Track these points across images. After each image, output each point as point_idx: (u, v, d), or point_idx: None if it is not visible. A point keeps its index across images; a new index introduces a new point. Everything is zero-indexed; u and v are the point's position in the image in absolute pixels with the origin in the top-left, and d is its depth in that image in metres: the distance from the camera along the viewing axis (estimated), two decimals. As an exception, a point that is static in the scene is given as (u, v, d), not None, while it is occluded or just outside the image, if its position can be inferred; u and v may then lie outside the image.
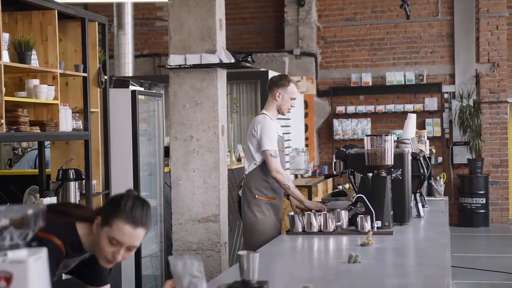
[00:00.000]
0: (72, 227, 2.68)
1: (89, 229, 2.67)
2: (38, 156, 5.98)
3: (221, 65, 5.35)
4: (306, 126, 12.02)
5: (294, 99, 5.11)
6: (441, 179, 6.57)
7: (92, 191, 5.61)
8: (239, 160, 8.13)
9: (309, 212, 4.38)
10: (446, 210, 5.69)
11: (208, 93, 5.40)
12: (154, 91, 7.22)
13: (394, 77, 12.37)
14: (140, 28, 12.98)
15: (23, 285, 1.66)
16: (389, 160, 4.38)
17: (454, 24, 12.30)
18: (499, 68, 12.20)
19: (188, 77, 5.43)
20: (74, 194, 5.39)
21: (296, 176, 10.25)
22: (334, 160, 5.14)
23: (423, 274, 3.24)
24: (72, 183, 5.39)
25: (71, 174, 5.40)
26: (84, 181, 5.55)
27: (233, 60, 5.34)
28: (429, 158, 6.19)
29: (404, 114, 10.75)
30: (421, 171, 5.04)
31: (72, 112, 5.43)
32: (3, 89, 4.53)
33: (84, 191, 5.55)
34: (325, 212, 4.34)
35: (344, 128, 12.54)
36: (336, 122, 12.56)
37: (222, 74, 5.53)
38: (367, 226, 4.19)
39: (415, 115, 5.83)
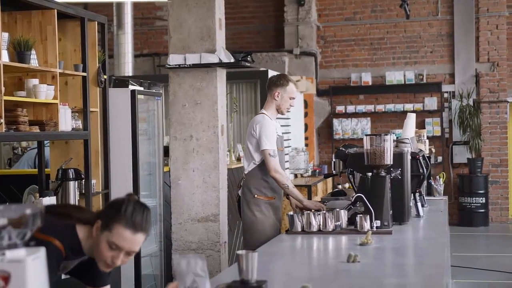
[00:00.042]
0: (72, 229, 2.67)
1: (89, 232, 2.66)
2: (37, 155, 5.98)
3: (221, 64, 5.35)
4: (306, 126, 12.02)
5: (293, 98, 5.11)
6: (441, 179, 6.57)
7: (91, 191, 5.61)
8: (238, 159, 8.13)
9: (308, 211, 4.38)
10: (446, 210, 5.69)
11: (208, 92, 5.41)
12: (154, 91, 7.22)
13: (394, 76, 12.37)
14: (140, 27, 12.98)
15: (21, 284, 1.66)
16: (389, 159, 4.38)
17: (454, 24, 12.30)
18: (499, 68, 12.20)
19: (188, 77, 5.43)
20: (73, 193, 5.39)
21: (295, 176, 10.25)
22: (334, 160, 5.14)
23: (422, 273, 3.24)
24: (71, 183, 5.39)
25: (71, 173, 5.40)
26: (83, 180, 5.55)
27: (232, 60, 5.34)
28: (429, 157, 6.19)
29: (404, 113, 10.73)
30: (421, 170, 5.04)
31: (72, 112, 5.43)
32: (3, 88, 4.53)
33: (83, 191, 5.55)
34: (324, 211, 4.34)
35: (344, 128, 12.54)
36: (336, 121, 12.56)
37: (221, 74, 5.53)
38: (366, 225, 4.19)
39: (414, 114, 5.83)
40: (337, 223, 4.26)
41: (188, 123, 5.43)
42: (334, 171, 5.20)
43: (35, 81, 5.01)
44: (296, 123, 10.95)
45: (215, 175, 5.41)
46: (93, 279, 2.87)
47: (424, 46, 12.44)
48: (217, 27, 5.39)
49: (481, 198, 11.84)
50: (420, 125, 11.64)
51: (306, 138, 11.90)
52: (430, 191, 6.62)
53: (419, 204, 5.03)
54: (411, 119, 5.70)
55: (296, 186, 5.28)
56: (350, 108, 12.51)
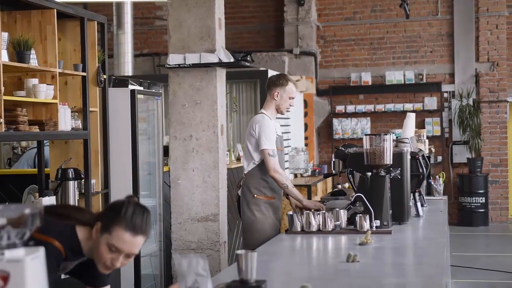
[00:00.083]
0: (72, 230, 2.67)
1: (89, 233, 2.66)
2: (37, 155, 5.97)
3: (221, 64, 5.36)
4: (306, 126, 12.02)
5: (293, 98, 5.11)
6: (441, 179, 6.57)
7: (91, 191, 5.60)
8: (238, 159, 8.13)
9: (308, 211, 4.38)
10: (445, 209, 5.69)
11: (208, 92, 5.41)
12: (154, 91, 7.21)
13: (394, 76, 12.37)
14: (140, 27, 12.98)
15: (20, 284, 1.66)
16: (388, 159, 4.38)
17: (453, 23, 12.30)
18: (498, 67, 12.19)
19: (188, 77, 5.43)
20: (73, 193, 5.39)
21: (295, 175, 10.25)
22: (333, 160, 5.14)
23: (422, 273, 3.24)
24: (71, 183, 5.38)
25: (70, 173, 5.40)
26: (83, 180, 5.55)
27: (232, 60, 5.34)
28: (428, 157, 6.19)
29: (403, 113, 10.72)
30: (420, 170, 5.04)
31: (71, 112, 5.43)
32: (2, 88, 4.53)
33: (83, 191, 5.55)
34: (324, 211, 4.34)
35: (343, 128, 12.54)
36: (335, 121, 12.56)
37: (221, 74, 5.53)
38: (366, 225, 4.19)
39: (414, 114, 5.83)
40: (337, 222, 4.26)
41: (187, 123, 5.43)
42: (333, 171, 5.20)
43: (35, 80, 5.01)
44: (296, 122, 10.95)
45: (214, 175, 5.41)
46: (93, 279, 2.87)
47: (424, 46, 12.44)
48: (217, 26, 5.39)
49: (481, 198, 11.84)
50: (420, 124, 11.64)
51: (306, 138, 11.91)
52: (429, 191, 6.62)
53: (418, 204, 5.03)
54: (411, 119, 5.70)
55: (295, 185, 5.28)
56: (350, 108, 12.51)
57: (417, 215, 4.99)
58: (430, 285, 2.99)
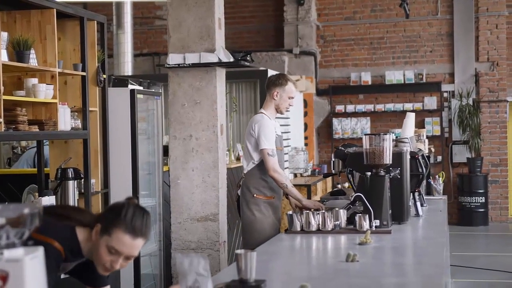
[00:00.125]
0: (72, 231, 2.66)
1: (89, 234, 2.66)
2: (36, 155, 5.97)
3: (220, 64, 5.36)
4: (306, 125, 12.02)
5: (292, 98, 5.10)
6: (440, 178, 6.57)
7: (91, 190, 5.60)
8: (238, 159, 8.13)
9: (307, 211, 4.38)
10: (445, 209, 5.69)
11: (207, 92, 5.41)
12: (153, 90, 7.22)
13: (394, 76, 12.37)
14: (140, 27, 12.98)
15: (20, 284, 1.66)
16: (388, 159, 4.38)
17: (453, 23, 12.30)
18: (498, 67, 12.19)
19: (187, 76, 5.43)
20: (72, 193, 5.39)
21: (295, 175, 10.26)
22: (333, 159, 5.14)
23: (421, 273, 3.24)
24: (70, 182, 5.38)
25: (70, 173, 5.40)
26: (83, 180, 5.55)
27: (232, 59, 5.34)
28: (428, 157, 6.19)
29: (403, 113, 10.72)
30: (420, 170, 5.04)
31: (71, 111, 5.43)
32: (2, 88, 4.53)
33: (83, 190, 5.55)
34: (323, 211, 4.34)
35: (343, 127, 12.54)
36: (335, 121, 12.56)
37: (221, 73, 5.53)
38: (366, 225, 4.19)
39: (413, 114, 5.83)
40: (336, 222, 4.26)
41: (187, 123, 5.43)
42: (333, 171, 5.20)
43: (34, 80, 5.01)
44: (296, 122, 10.96)
45: (214, 175, 5.41)
46: (93, 279, 2.87)
47: (424, 45, 12.44)
48: (217, 26, 5.39)
49: (480, 197, 11.84)
50: (420, 124, 11.64)
51: (305, 138, 11.91)
52: (429, 191, 6.62)
53: (418, 204, 5.03)
54: (411, 118, 5.70)
55: (295, 185, 5.28)
56: (350, 108, 12.51)
57: (417, 214, 4.99)
58: (429, 285, 2.99)
